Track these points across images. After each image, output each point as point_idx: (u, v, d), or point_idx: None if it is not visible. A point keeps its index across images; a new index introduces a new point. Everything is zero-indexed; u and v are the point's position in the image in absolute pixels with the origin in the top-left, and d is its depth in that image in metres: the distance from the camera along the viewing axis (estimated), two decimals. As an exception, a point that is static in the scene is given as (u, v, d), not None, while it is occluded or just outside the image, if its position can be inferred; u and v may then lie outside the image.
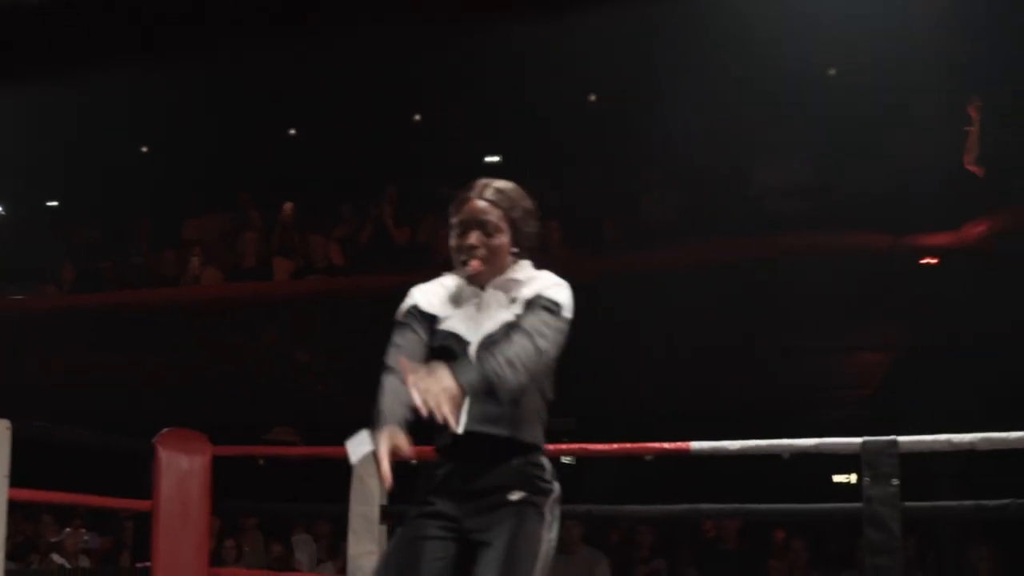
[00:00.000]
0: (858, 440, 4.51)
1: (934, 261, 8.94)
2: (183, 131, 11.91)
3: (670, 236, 9.68)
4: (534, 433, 3.05)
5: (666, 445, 4.84)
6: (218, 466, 5.57)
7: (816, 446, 4.62)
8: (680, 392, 9.35)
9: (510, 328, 2.99)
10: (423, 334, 3.11)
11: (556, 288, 3.06)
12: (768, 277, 8.96)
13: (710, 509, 5.20)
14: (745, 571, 6.13)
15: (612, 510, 5.99)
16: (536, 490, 3.01)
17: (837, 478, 10.03)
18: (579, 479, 10.11)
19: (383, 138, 11.61)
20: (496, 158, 12.77)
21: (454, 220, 3.12)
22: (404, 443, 2.79)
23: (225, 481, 5.73)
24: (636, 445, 5.01)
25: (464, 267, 3.08)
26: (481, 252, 3.08)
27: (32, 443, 4.68)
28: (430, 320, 3.12)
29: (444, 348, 3.05)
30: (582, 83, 10.90)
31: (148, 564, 5.26)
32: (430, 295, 3.18)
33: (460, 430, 2.89)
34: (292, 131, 13.17)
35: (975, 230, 8.77)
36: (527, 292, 3.05)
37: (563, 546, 7.25)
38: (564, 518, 6.85)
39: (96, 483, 5.57)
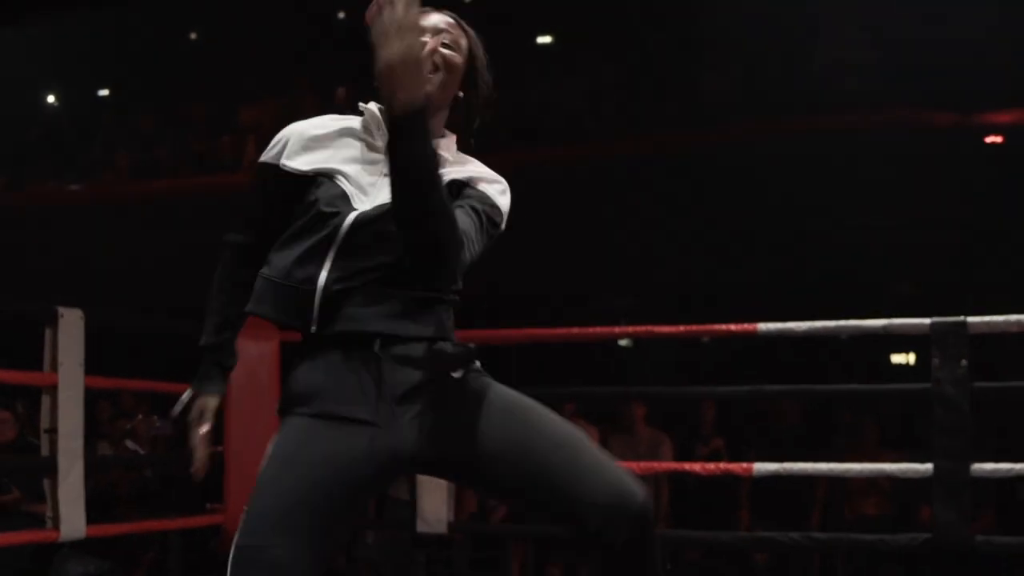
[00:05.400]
0: (927, 320, 4.44)
1: (999, 139, 8.79)
2: (233, 16, 11.87)
3: (730, 114, 9.55)
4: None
5: (732, 327, 4.73)
6: (285, 352, 5.61)
7: (884, 327, 4.54)
8: (739, 271, 9.31)
9: None
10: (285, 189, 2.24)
11: (503, 194, 2.24)
12: (830, 155, 8.84)
13: (775, 390, 5.16)
14: (808, 450, 6.12)
15: (678, 392, 6.01)
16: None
17: (896, 358, 9.96)
18: (638, 359, 10.19)
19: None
20: (548, 39, 12.61)
21: None
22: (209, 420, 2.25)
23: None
24: (703, 327, 4.94)
25: None
26: (436, 59, 2.18)
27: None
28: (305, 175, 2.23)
29: (319, 214, 2.15)
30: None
31: (220, 448, 5.35)
32: (313, 131, 2.31)
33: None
34: (341, 14, 13.08)
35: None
36: (457, 174, 2.20)
37: (625, 426, 7.32)
38: (629, 399, 6.80)
39: (149, 369, 5.65)
